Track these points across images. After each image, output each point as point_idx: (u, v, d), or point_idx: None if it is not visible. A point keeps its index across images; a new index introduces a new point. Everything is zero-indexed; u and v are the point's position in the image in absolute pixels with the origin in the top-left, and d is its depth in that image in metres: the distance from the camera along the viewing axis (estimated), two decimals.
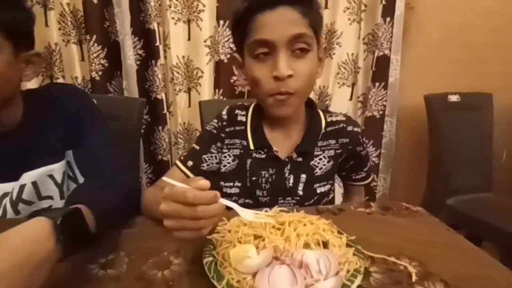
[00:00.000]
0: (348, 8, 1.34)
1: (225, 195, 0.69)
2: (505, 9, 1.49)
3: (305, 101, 0.68)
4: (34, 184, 0.60)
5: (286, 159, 0.68)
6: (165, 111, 1.33)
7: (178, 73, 1.33)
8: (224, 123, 0.69)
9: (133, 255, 0.44)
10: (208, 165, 0.69)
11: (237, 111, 0.70)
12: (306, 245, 0.42)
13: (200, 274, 0.40)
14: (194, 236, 0.37)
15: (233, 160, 0.70)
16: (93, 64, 1.24)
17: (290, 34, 0.53)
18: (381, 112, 1.50)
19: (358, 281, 0.38)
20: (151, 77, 1.31)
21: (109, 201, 0.48)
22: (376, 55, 1.43)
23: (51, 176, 0.61)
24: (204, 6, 1.28)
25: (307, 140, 0.68)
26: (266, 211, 0.51)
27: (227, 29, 1.29)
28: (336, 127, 0.71)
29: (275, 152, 0.67)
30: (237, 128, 0.69)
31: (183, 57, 1.32)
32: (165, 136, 1.35)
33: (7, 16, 0.49)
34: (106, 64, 1.27)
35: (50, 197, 0.62)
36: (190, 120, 1.41)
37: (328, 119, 0.71)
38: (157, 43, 1.25)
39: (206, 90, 1.37)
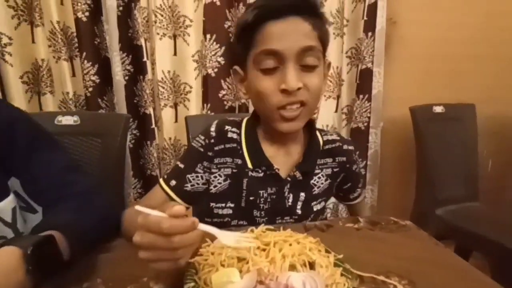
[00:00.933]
0: (332, 23, 1.38)
1: (216, 216, 0.66)
2: (480, 22, 1.55)
3: None
4: None
5: (288, 178, 0.65)
6: (153, 126, 1.32)
7: (163, 88, 1.32)
8: (213, 140, 0.63)
9: (111, 282, 0.42)
10: (192, 185, 0.63)
11: (227, 127, 0.64)
12: (292, 267, 0.40)
13: None
14: (171, 266, 0.35)
15: (225, 180, 0.64)
16: (85, 81, 1.23)
17: (301, 46, 0.50)
18: (365, 124, 1.52)
19: None
20: (139, 92, 1.30)
21: (83, 225, 0.45)
22: (359, 68, 1.46)
23: None
24: (191, 21, 1.28)
25: (308, 158, 0.65)
26: (251, 230, 0.49)
27: (214, 42, 1.30)
28: (333, 145, 0.69)
29: (277, 171, 0.63)
30: (228, 145, 0.63)
31: (169, 72, 1.32)
32: (154, 151, 1.33)
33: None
34: (97, 80, 1.26)
35: (4, 237, 0.52)
36: (177, 135, 1.39)
37: (324, 138, 0.70)
38: (145, 59, 1.25)
39: (194, 105, 1.36)
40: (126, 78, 1.29)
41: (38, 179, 0.52)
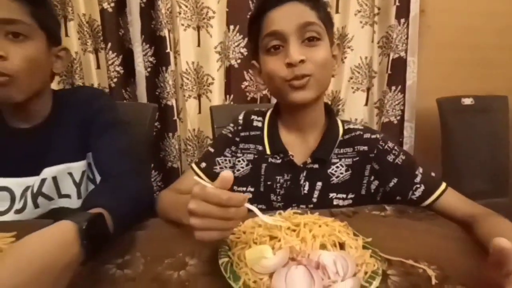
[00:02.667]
0: (359, 11, 1.34)
1: None
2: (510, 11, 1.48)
3: (324, 107, 0.68)
4: (54, 179, 0.62)
5: (302, 165, 0.66)
6: (175, 117, 1.35)
7: (188, 79, 1.35)
8: (240, 127, 0.70)
9: (149, 256, 0.44)
10: (221, 167, 0.69)
11: (253, 116, 0.71)
12: (322, 246, 0.41)
13: (215, 274, 0.39)
14: (218, 237, 0.37)
15: (247, 165, 0.69)
16: (109, 71, 1.27)
17: (299, 22, 0.55)
18: (398, 117, 1.47)
19: (376, 283, 0.37)
20: (161, 83, 1.32)
21: (124, 205, 0.49)
22: (391, 57, 1.41)
23: (70, 174, 0.63)
24: (214, 12, 1.30)
25: (322, 146, 0.66)
26: (279, 213, 0.51)
27: (238, 33, 1.31)
28: (353, 134, 0.69)
29: (291, 157, 0.66)
30: (252, 133, 0.70)
31: (193, 63, 1.34)
32: (175, 143, 1.35)
33: (40, 12, 0.56)
34: (122, 71, 1.29)
35: (68, 196, 0.64)
36: (200, 126, 1.42)
37: (346, 127, 0.70)
38: (168, 50, 1.27)
39: (216, 96, 1.38)
40: (148, 69, 1.31)
41: (100, 155, 0.61)
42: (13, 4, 0.53)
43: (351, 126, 0.70)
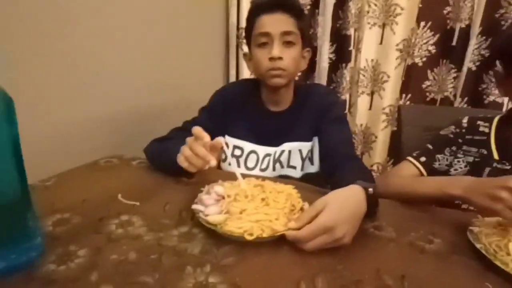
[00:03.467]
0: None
1: None
2: None
3: None
4: (289, 152, 0.79)
5: None
6: (346, 111, 1.43)
7: (364, 75, 1.39)
8: (463, 130, 0.74)
9: (395, 226, 0.52)
10: (439, 164, 0.74)
11: (479, 122, 0.74)
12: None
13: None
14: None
15: (465, 166, 0.73)
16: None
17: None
18: None
19: None
20: (338, 79, 1.42)
21: (371, 180, 0.59)
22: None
23: (300, 151, 0.79)
24: (402, 9, 1.29)
25: None
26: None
27: (428, 30, 1.26)
28: None
29: None
30: (477, 137, 0.72)
31: (372, 60, 1.38)
32: None
33: (302, 23, 0.76)
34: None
35: (294, 167, 0.80)
36: (368, 123, 1.45)
37: None
38: (351, 48, 1.35)
39: (389, 94, 1.38)
40: (327, 65, 1.42)
41: (327, 140, 0.75)
42: (290, 20, 0.73)
43: None
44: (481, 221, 0.51)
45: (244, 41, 0.90)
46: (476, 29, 1.18)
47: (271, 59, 0.72)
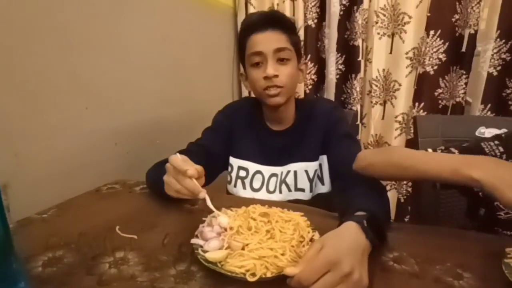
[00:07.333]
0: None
1: None
2: None
3: None
4: (295, 173, 0.75)
5: None
6: (358, 122, 1.38)
7: (376, 85, 1.34)
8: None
9: (418, 258, 0.46)
10: None
11: None
12: None
13: None
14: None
15: None
16: (305, 79, 1.43)
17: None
18: None
19: None
20: (348, 89, 1.38)
21: (381, 207, 0.53)
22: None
23: (306, 172, 0.75)
24: (410, 18, 1.24)
25: None
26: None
27: (438, 38, 1.21)
28: None
29: None
30: None
31: (383, 70, 1.33)
32: None
33: (295, 38, 0.73)
34: (316, 79, 1.43)
35: (302, 190, 0.75)
36: (381, 132, 1.39)
37: None
38: (359, 58, 1.31)
39: (401, 103, 1.33)
40: (337, 76, 1.39)
41: (337, 158, 0.69)
42: (283, 36, 0.71)
43: None
44: None
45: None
46: (493, 33, 1.12)
47: (266, 78, 0.70)
